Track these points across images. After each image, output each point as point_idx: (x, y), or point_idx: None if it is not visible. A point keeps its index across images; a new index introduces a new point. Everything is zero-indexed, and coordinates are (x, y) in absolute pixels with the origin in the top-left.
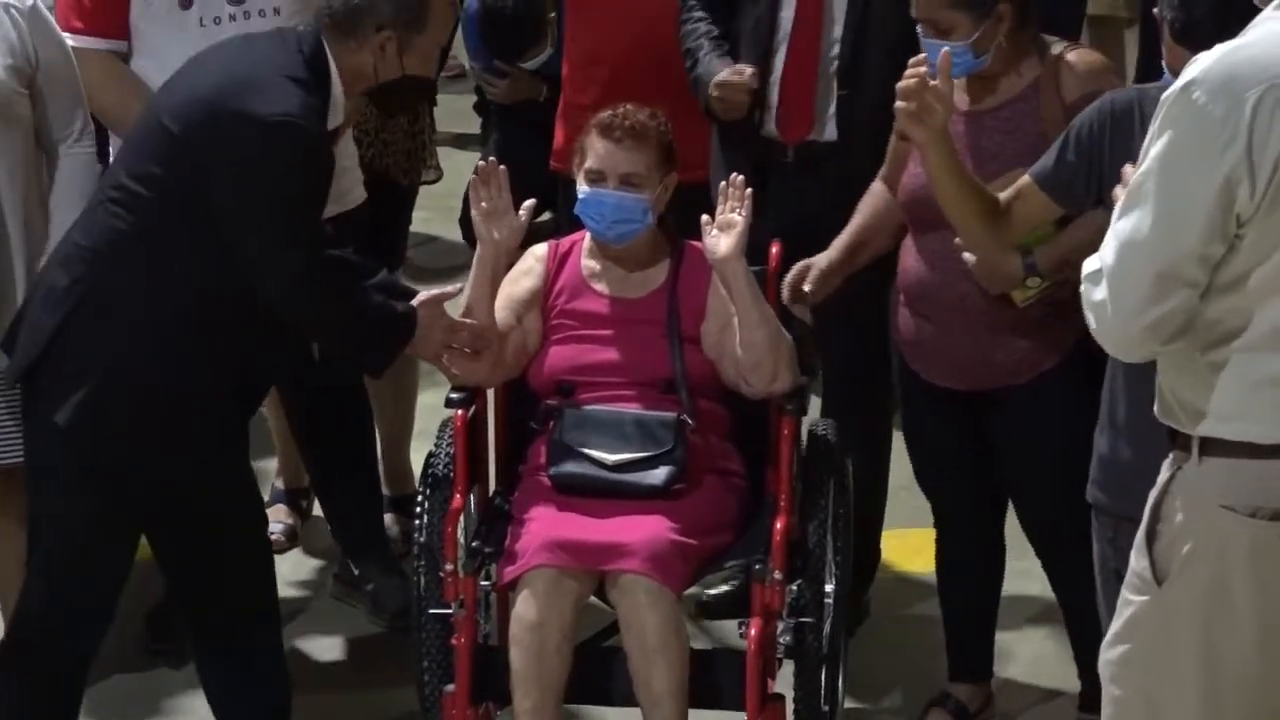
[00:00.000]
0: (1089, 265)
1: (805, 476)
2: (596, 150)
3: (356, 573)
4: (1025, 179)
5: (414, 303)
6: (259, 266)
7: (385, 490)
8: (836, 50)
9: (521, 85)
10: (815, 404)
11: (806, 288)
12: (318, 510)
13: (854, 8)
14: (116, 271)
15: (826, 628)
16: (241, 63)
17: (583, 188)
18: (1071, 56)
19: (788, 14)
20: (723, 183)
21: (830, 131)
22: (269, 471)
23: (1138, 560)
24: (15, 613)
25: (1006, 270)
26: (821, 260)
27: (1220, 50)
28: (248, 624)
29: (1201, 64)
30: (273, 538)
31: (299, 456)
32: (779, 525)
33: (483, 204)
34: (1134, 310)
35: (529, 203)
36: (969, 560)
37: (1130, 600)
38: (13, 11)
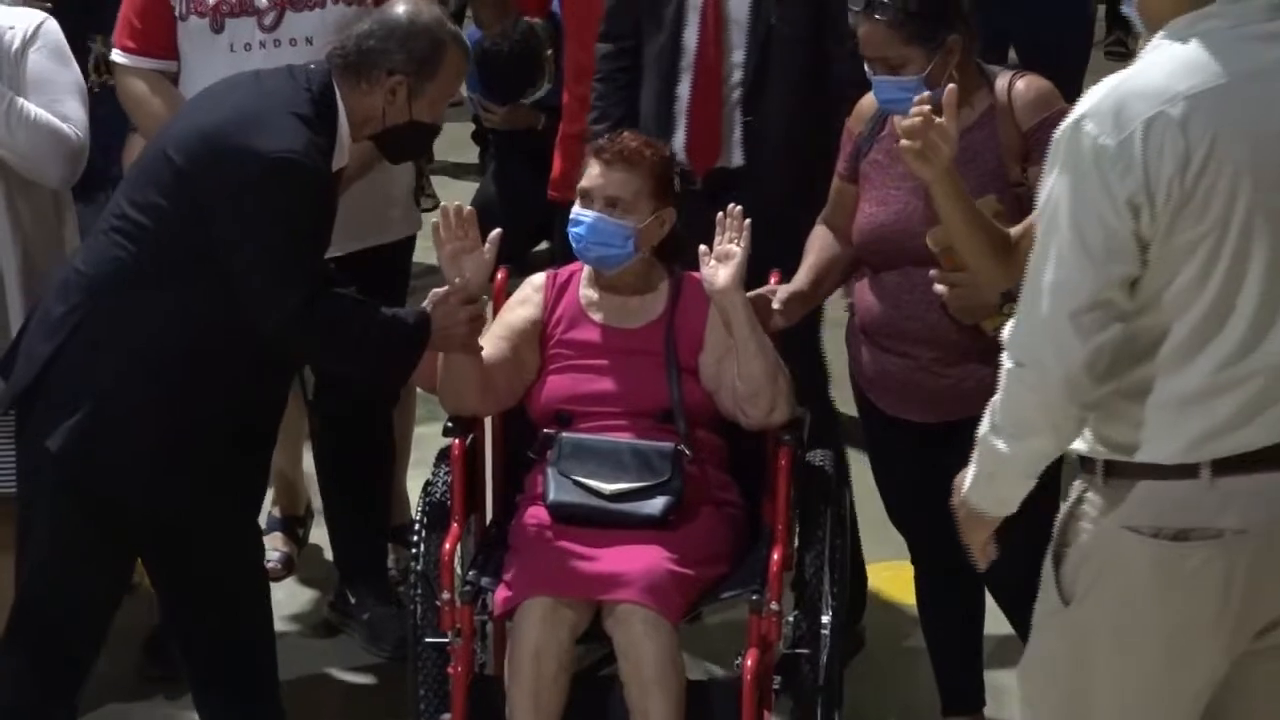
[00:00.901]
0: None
1: (802, 507)
2: (589, 171)
3: (353, 601)
4: (1034, 215)
5: (426, 305)
6: (257, 302)
7: None
8: (739, 77)
9: (519, 114)
10: None
11: (775, 305)
12: (314, 539)
13: (755, 34)
14: (113, 301)
15: (823, 659)
16: (249, 98)
17: (574, 208)
18: (1020, 84)
19: (690, 40)
20: (720, 213)
21: (737, 158)
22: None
23: (1045, 582)
24: (2, 642)
25: (986, 300)
26: (792, 284)
27: (1110, 82)
28: (242, 655)
29: (1092, 98)
30: (269, 566)
31: (294, 485)
32: (776, 556)
33: (446, 245)
34: (1071, 349)
35: (495, 233)
36: (949, 594)
37: (1041, 621)
38: (18, 29)
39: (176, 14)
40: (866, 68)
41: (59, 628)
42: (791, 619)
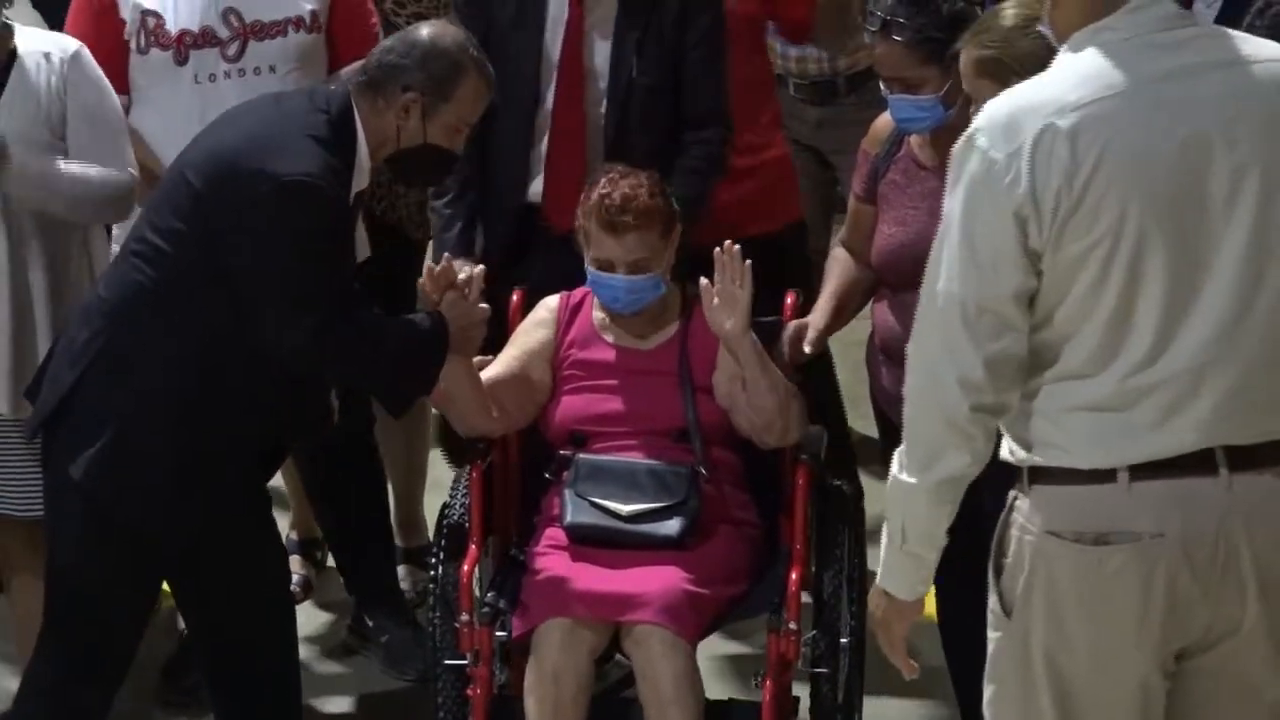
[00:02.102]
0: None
1: (820, 526)
2: (602, 243)
3: (370, 625)
4: None
5: (441, 308)
6: (272, 326)
7: (399, 541)
8: (601, 130)
9: None
10: None
11: (807, 349)
12: (332, 561)
13: (615, 87)
14: (134, 326)
15: (841, 678)
16: (267, 121)
17: (592, 270)
18: None
19: (549, 98)
20: (717, 249)
21: None
22: (282, 524)
23: (990, 596)
24: (30, 666)
25: None
26: (817, 320)
27: (1007, 95)
28: (265, 681)
29: (988, 112)
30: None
31: (312, 507)
32: (794, 575)
33: (435, 298)
34: (965, 354)
35: (478, 271)
36: (968, 610)
37: (990, 637)
38: (53, 58)
39: (135, 47)
40: (883, 87)
41: (87, 651)
42: (810, 638)
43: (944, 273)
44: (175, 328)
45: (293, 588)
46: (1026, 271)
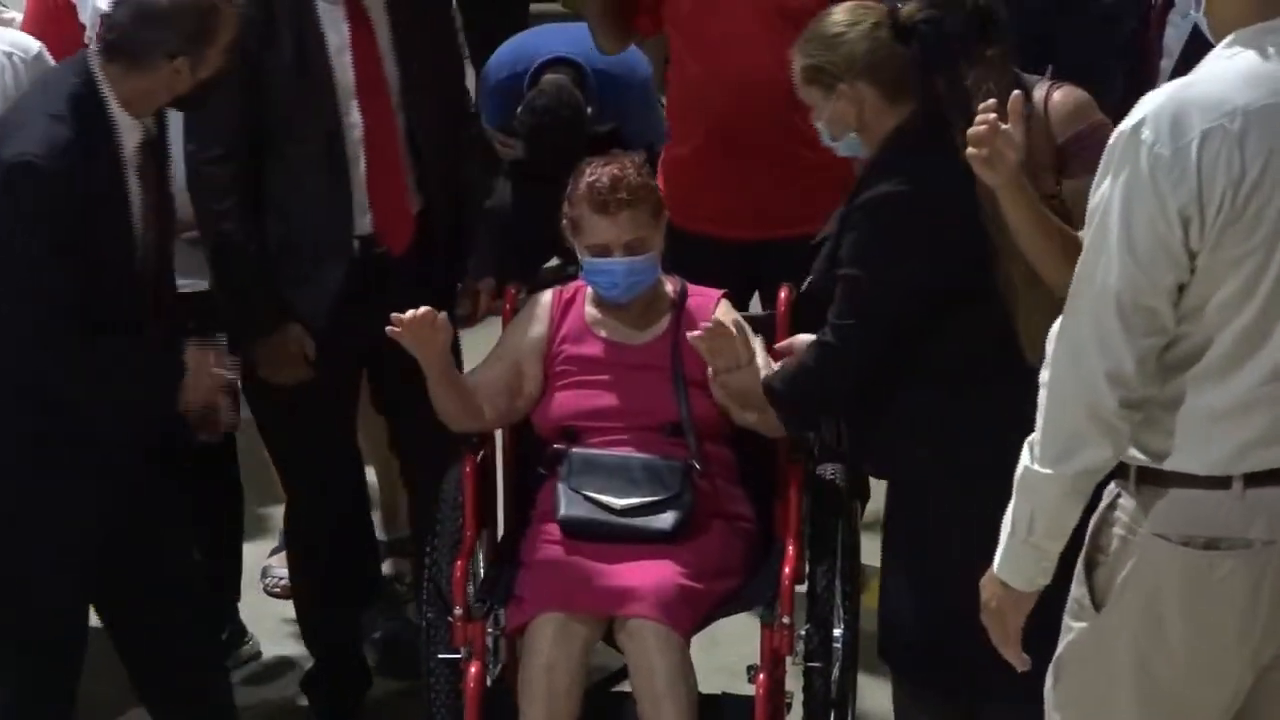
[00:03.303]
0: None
1: (814, 521)
2: (596, 227)
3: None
4: None
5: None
6: (11, 315)
7: (382, 535)
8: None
9: None
10: None
11: None
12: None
13: (406, 94)
14: None
15: (835, 673)
16: (22, 99)
17: (588, 258)
18: (1058, 95)
19: (355, 127)
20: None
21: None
22: (271, 518)
23: (1077, 587)
24: None
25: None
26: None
27: (1170, 88)
28: (190, 671)
29: (1151, 103)
30: (280, 585)
31: None
32: (787, 570)
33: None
34: (1117, 347)
35: (442, 316)
36: None
37: (1070, 626)
38: (15, 58)
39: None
40: None
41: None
42: (803, 633)
43: (1099, 265)
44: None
45: (287, 583)
46: (1183, 270)
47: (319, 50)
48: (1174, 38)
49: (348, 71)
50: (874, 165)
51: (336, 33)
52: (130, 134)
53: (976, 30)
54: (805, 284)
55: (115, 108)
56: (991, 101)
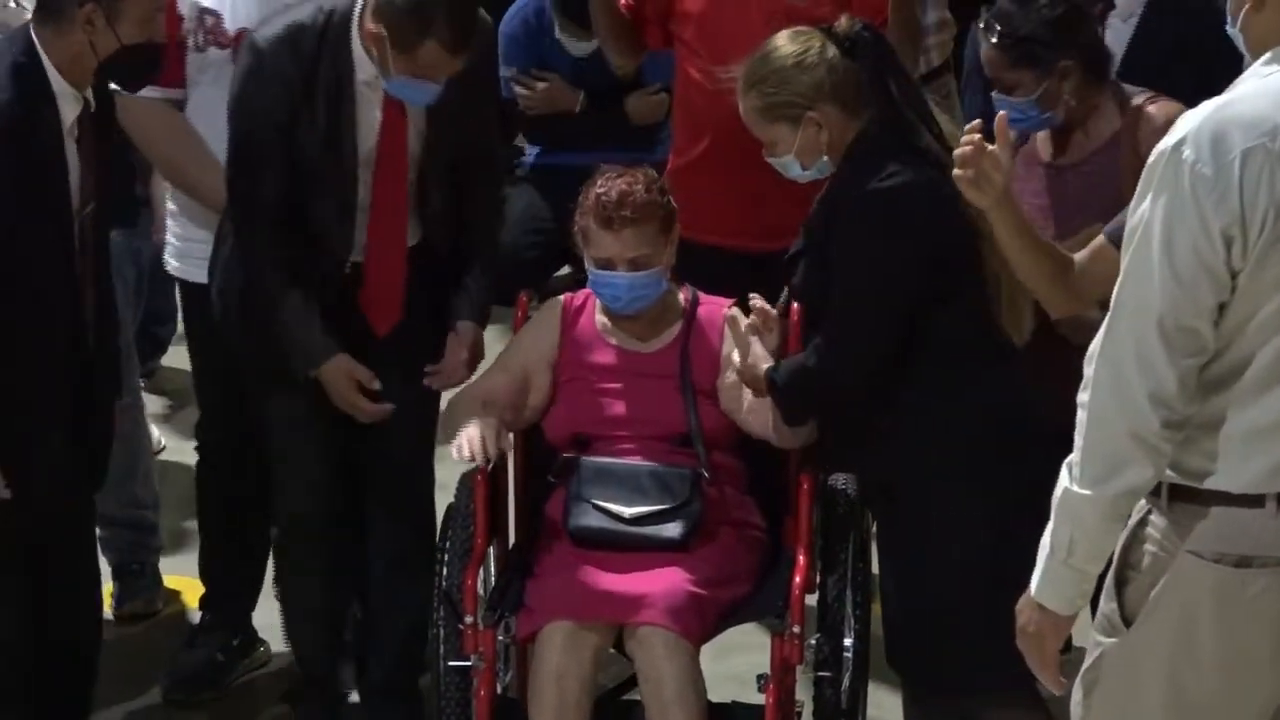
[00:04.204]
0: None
1: (824, 530)
2: (600, 241)
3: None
4: (1100, 239)
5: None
6: None
7: None
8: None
9: (557, 93)
10: None
11: None
12: None
13: (426, 162)
14: None
15: (845, 681)
16: None
17: (593, 269)
18: (1151, 109)
19: (362, 186)
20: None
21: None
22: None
23: (1106, 603)
24: None
25: (1090, 321)
26: None
27: (1209, 107)
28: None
29: (1191, 121)
30: None
31: None
32: (798, 579)
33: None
34: (1159, 367)
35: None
36: None
37: (1099, 642)
38: None
39: (193, 45)
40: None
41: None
42: (814, 642)
43: (1140, 285)
44: None
45: None
46: (1224, 290)
47: (350, 128)
48: (1114, 41)
49: (371, 150)
50: (845, 172)
51: (370, 114)
52: (69, 105)
53: (1051, 36)
54: (784, 296)
55: (55, 76)
56: (977, 122)
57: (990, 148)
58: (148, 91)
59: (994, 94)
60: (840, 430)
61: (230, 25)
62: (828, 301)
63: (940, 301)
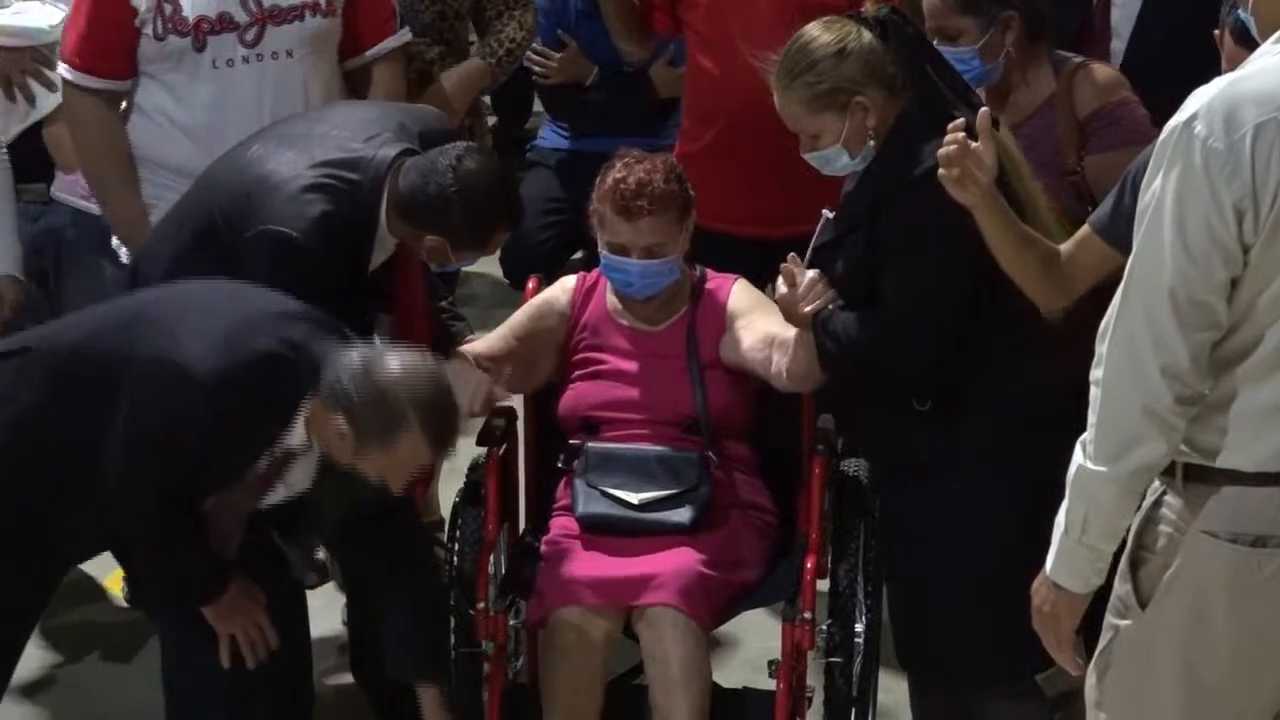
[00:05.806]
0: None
1: (836, 516)
2: (616, 228)
3: None
4: (1085, 229)
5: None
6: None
7: None
8: None
9: (574, 64)
10: None
11: None
12: None
13: None
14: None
15: (856, 668)
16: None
17: (606, 254)
18: (1084, 72)
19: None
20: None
21: None
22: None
23: (1121, 585)
24: None
25: None
26: None
27: (1221, 83)
28: None
29: (1203, 97)
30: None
31: None
32: (809, 565)
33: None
34: (1172, 342)
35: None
36: None
37: (1114, 624)
38: None
39: (152, 34)
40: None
41: None
42: (825, 628)
43: (1152, 261)
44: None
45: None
46: (1236, 264)
47: (361, 268)
48: (1121, 19)
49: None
50: (891, 153)
51: (385, 250)
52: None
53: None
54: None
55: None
56: (960, 121)
57: (974, 145)
58: (92, 82)
59: (936, 43)
60: (875, 404)
61: (189, 13)
62: (879, 282)
63: (987, 283)
